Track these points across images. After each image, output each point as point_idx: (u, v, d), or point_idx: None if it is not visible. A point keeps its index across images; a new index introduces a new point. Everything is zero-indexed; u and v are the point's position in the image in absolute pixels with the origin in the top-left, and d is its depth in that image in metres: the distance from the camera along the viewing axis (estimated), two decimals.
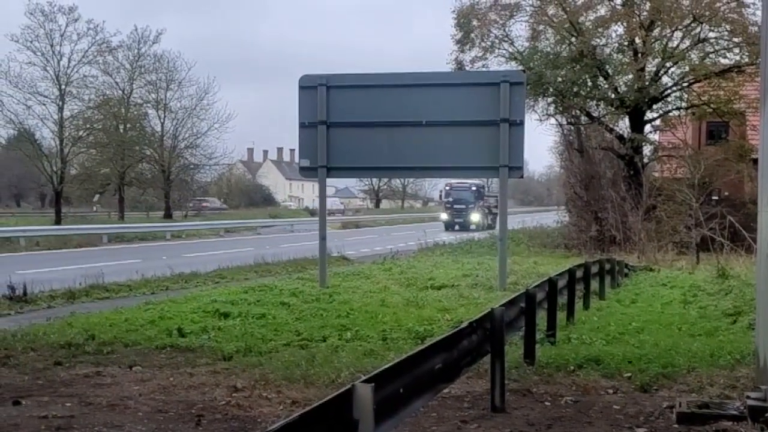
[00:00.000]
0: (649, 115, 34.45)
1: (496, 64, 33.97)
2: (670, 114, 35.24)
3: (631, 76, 32.71)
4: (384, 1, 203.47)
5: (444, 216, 59.27)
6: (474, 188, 59.23)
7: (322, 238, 18.43)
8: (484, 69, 33.11)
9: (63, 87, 48.08)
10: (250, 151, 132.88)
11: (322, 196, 18.90)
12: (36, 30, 47.70)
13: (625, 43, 33.52)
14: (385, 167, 19.95)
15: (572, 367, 9.20)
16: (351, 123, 17.88)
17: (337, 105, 17.77)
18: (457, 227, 56.20)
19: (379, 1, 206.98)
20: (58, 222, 45.47)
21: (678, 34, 32.68)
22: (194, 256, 28.06)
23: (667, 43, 32.76)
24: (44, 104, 48.20)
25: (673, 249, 27.19)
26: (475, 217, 57.21)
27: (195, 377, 8.88)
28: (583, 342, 10.72)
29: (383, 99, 17.98)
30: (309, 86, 17.84)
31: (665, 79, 33.62)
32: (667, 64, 32.87)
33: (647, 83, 32.12)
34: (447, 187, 59.41)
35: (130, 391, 8.32)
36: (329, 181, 19.95)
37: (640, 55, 32.20)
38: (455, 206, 58.37)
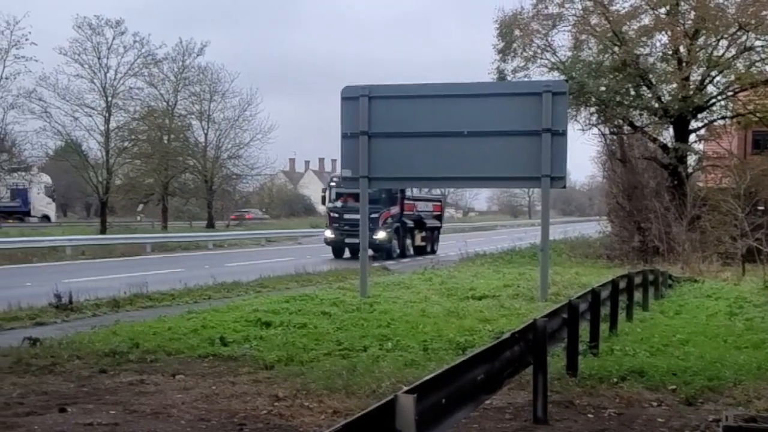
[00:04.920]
0: (693, 124, 34.03)
1: (538, 73, 33.86)
2: (715, 123, 34.81)
3: (675, 85, 32.36)
4: (416, 13, 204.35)
5: (328, 234, 35.86)
6: None
7: (363, 248, 18.53)
8: (526, 79, 33.01)
9: (109, 99, 48.77)
10: (292, 161, 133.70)
11: (363, 206, 18.92)
12: (84, 43, 48.48)
13: (669, 52, 33.15)
14: (426, 177, 19.89)
15: (615, 379, 9.12)
16: (392, 133, 17.89)
17: (378, 115, 17.80)
18: (372, 252, 31.49)
19: (412, 13, 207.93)
20: (103, 231, 46.08)
21: (723, 42, 32.23)
22: (236, 266, 28.26)
23: (712, 52, 32.34)
24: (91, 116, 48.95)
25: (717, 260, 26.78)
26: (381, 234, 34.10)
27: (237, 386, 8.94)
28: (627, 353, 10.59)
29: (425, 109, 17.97)
30: (351, 97, 17.91)
31: (710, 88, 33.21)
32: (712, 73, 32.46)
33: (692, 92, 31.74)
34: (332, 183, 36.14)
35: (173, 399, 8.40)
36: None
37: (684, 64, 31.85)
38: (346, 217, 34.02)
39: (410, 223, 36.90)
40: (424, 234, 38.57)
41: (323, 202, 37.34)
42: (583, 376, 9.17)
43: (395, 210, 35.55)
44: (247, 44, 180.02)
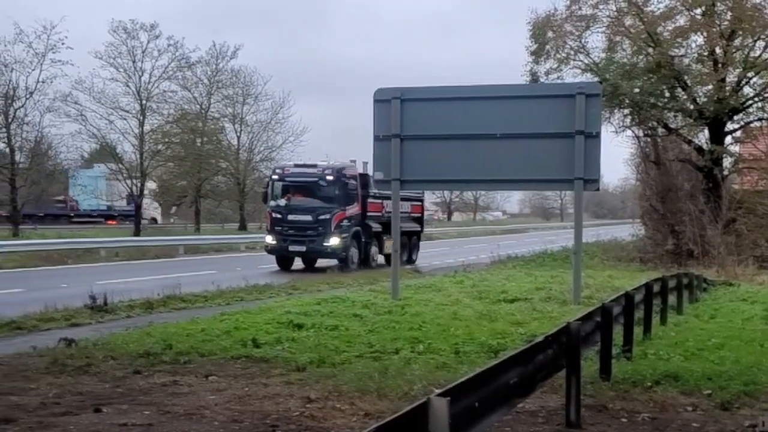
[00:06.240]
0: (729, 126, 33.58)
1: (571, 75, 33.56)
2: (752, 125, 34.35)
3: (710, 87, 31.97)
4: (446, 14, 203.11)
5: (269, 239, 29.18)
6: (330, 177, 28.86)
7: (395, 250, 18.54)
8: (559, 81, 32.83)
9: (144, 102, 49.11)
10: None
11: (396, 208, 18.93)
12: (119, 47, 48.79)
13: (705, 54, 32.77)
14: (458, 180, 19.90)
15: (649, 383, 9.04)
16: (425, 136, 17.91)
17: (410, 118, 17.81)
18: (334, 261, 28.86)
19: (442, 14, 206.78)
20: (136, 233, 46.51)
21: (760, 43, 31.83)
22: (268, 268, 28.40)
23: (748, 53, 31.94)
24: (125, 119, 49.33)
25: (754, 263, 26.45)
26: (334, 240, 28.09)
27: (269, 387, 8.98)
28: (661, 358, 10.49)
29: (457, 111, 17.97)
30: (383, 99, 17.94)
31: (746, 90, 32.75)
32: (749, 75, 32.01)
33: (728, 94, 31.35)
34: (275, 177, 29.83)
35: (206, 400, 8.45)
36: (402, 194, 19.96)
37: (720, 65, 31.46)
38: (290, 218, 28.52)
39: (376, 227, 30.00)
40: (407, 240, 30.92)
41: (264, 200, 30.66)
42: (617, 380, 9.10)
43: (353, 210, 28.98)
44: (280, 47, 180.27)
